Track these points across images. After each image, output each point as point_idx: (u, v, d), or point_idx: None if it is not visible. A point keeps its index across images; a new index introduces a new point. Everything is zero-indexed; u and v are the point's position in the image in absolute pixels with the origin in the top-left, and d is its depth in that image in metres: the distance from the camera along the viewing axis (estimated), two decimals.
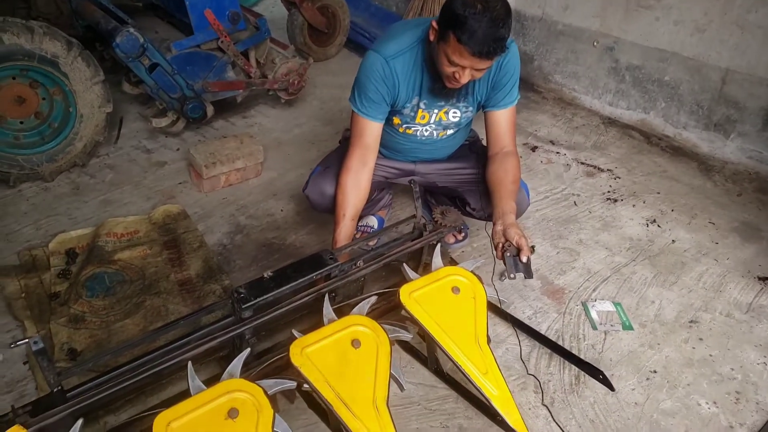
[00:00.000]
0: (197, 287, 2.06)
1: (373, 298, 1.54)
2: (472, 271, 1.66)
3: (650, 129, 3.30)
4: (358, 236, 2.28)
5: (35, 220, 2.38)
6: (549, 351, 1.83)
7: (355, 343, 1.42)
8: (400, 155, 2.08)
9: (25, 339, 1.19)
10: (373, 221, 2.33)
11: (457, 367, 1.48)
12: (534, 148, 3.08)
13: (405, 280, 1.63)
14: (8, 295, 2.00)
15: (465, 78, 1.63)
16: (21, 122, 2.51)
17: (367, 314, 1.53)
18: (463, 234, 2.33)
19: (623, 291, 2.11)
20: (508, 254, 1.63)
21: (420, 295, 1.57)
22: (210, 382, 1.30)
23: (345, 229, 1.81)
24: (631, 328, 1.94)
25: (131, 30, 2.43)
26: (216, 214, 2.45)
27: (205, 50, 2.74)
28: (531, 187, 2.67)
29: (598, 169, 2.92)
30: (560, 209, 2.57)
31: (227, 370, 1.32)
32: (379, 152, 2.11)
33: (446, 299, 1.58)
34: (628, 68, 3.34)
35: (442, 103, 1.86)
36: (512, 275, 1.61)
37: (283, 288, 1.46)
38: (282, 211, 2.48)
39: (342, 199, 1.83)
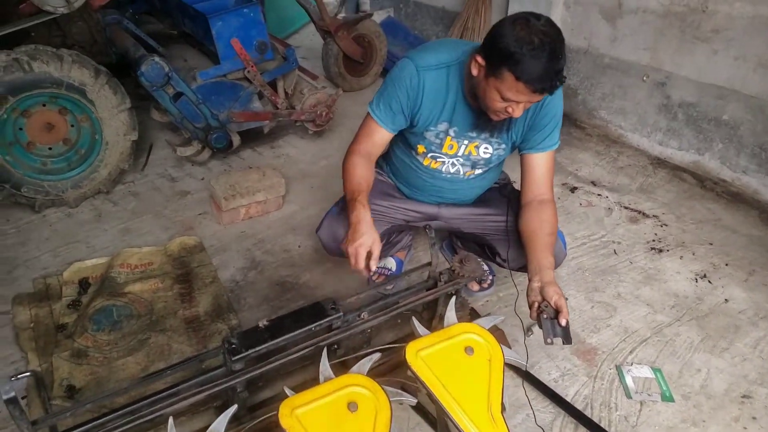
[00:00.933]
0: (204, 326, 2.01)
1: (376, 356, 1.45)
2: (489, 330, 1.54)
3: (704, 172, 3.11)
4: (375, 278, 2.20)
5: (54, 247, 2.40)
6: (575, 421, 1.68)
7: (352, 406, 1.33)
8: (422, 194, 1.99)
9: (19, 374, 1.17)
10: (391, 263, 2.25)
11: None
12: (573, 189, 2.95)
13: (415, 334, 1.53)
14: (18, 324, 2.01)
15: (518, 111, 1.56)
16: (50, 148, 2.56)
17: (370, 371, 1.44)
18: (488, 281, 2.21)
19: (664, 355, 1.94)
20: (545, 316, 1.51)
21: (429, 355, 1.46)
22: None
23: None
24: (671, 399, 1.77)
25: (156, 59, 2.46)
26: (232, 248, 2.42)
27: (231, 80, 2.75)
28: (567, 232, 2.55)
29: (643, 214, 2.76)
30: (598, 258, 2.42)
31: (210, 428, 1.25)
32: (400, 191, 2.04)
33: (458, 360, 1.47)
34: (681, 105, 3.17)
35: (474, 135, 1.78)
36: (549, 340, 1.49)
37: (278, 340, 1.39)
38: (299, 247, 2.43)
39: (352, 177, 1.75)
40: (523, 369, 1.60)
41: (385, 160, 2.10)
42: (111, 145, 2.63)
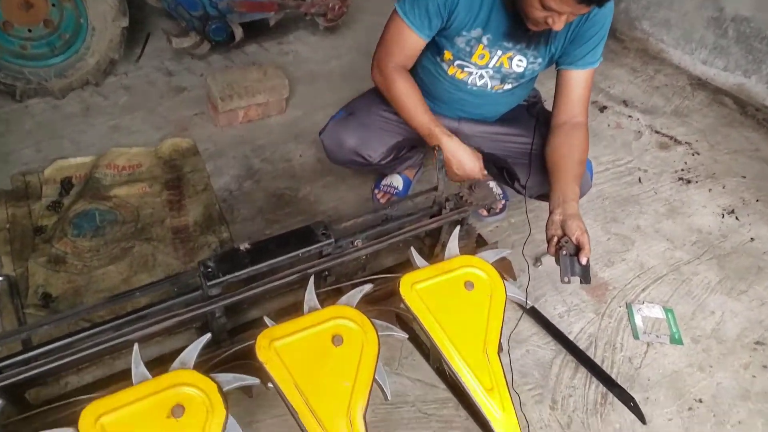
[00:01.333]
0: (192, 237, 1.92)
1: (368, 287, 1.34)
2: (495, 262, 1.43)
3: (748, 97, 2.86)
4: (379, 197, 2.08)
5: (37, 141, 2.28)
6: (575, 360, 1.60)
7: (336, 339, 1.24)
8: (443, 107, 1.81)
9: None
10: (398, 181, 2.11)
11: (457, 379, 1.28)
12: (603, 108, 2.73)
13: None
14: None
15: (560, 24, 1.37)
16: (29, 30, 2.37)
17: (362, 301, 1.35)
18: (501, 206, 2.07)
19: (679, 295, 1.83)
20: (564, 252, 1.39)
21: (425, 289, 1.36)
22: (162, 366, 1.16)
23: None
24: (680, 342, 1.68)
25: None
26: (228, 154, 2.28)
27: None
28: (592, 155, 2.34)
29: (675, 140, 2.56)
30: (621, 186, 2.26)
31: (179, 357, 1.17)
32: None
33: (456, 295, 1.37)
34: (734, 20, 2.87)
35: (509, 46, 1.59)
36: (566, 278, 1.38)
37: (260, 265, 1.28)
38: (301, 156, 2.29)
39: (414, 103, 1.62)
40: (525, 307, 1.50)
41: None
42: (98, 32, 2.43)
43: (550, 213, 1.48)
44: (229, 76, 2.39)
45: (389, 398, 1.24)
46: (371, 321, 1.29)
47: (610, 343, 1.67)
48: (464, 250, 1.58)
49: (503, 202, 2.07)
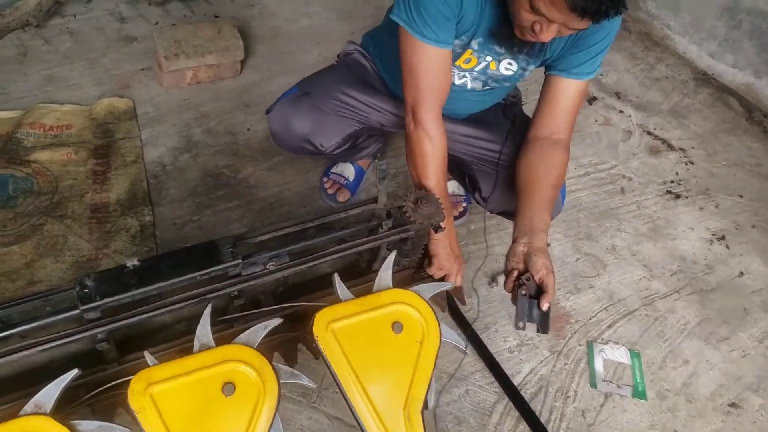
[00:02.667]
0: (111, 218, 1.69)
1: (274, 322, 1.12)
2: (429, 301, 1.21)
3: (756, 99, 2.59)
4: (327, 186, 1.84)
5: None
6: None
7: (227, 388, 1.03)
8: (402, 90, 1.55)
9: None
10: (349, 171, 1.87)
11: None
12: (592, 100, 2.46)
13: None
14: None
15: (546, 35, 1.11)
16: None
17: (261, 344, 1.14)
18: (462, 208, 1.85)
19: (649, 336, 1.63)
20: (524, 293, 1.17)
21: (344, 328, 1.14)
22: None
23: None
24: (644, 396, 1.49)
25: None
26: (169, 120, 2.02)
27: None
28: (573, 155, 2.08)
29: (668, 145, 2.31)
30: (600, 196, 2.03)
31: (34, 398, 0.96)
32: (384, 83, 1.61)
33: (380, 339, 1.15)
34: (750, 13, 2.56)
35: (502, 51, 1.33)
36: (521, 324, 1.17)
37: (147, 288, 1.05)
38: (248, 130, 2.03)
39: (429, 174, 1.34)
40: (463, 354, 1.29)
41: (373, 39, 1.64)
42: None
43: (513, 241, 1.26)
44: (177, 32, 2.10)
45: None
46: (274, 367, 1.08)
47: (562, 391, 1.48)
48: (401, 276, 1.38)
49: (464, 205, 1.85)
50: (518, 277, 1.19)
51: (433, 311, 1.20)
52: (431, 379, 1.15)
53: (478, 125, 1.56)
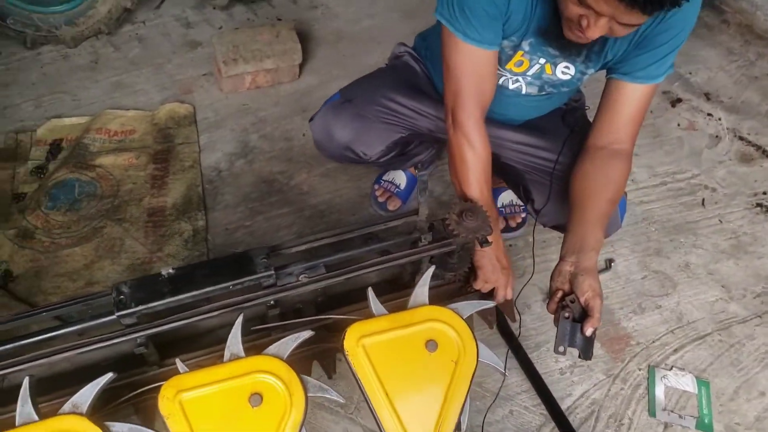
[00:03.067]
0: (167, 222, 1.80)
1: (305, 334, 1.16)
2: (471, 318, 1.21)
3: None
4: (378, 194, 1.87)
5: (39, 95, 2.21)
6: None
7: (254, 399, 1.08)
8: None
9: None
10: (401, 178, 1.89)
11: None
12: (676, 102, 2.34)
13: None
14: None
15: (594, 31, 1.06)
16: None
17: (296, 354, 1.18)
18: (521, 219, 1.82)
19: (721, 364, 1.54)
20: (567, 315, 1.15)
21: (375, 344, 1.16)
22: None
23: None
24: (710, 428, 1.41)
25: None
26: (227, 125, 2.12)
27: None
28: (647, 162, 2.05)
29: (763, 152, 2.16)
30: (676, 208, 1.93)
31: (72, 399, 1.05)
32: (434, 86, 1.62)
33: (413, 357, 1.16)
34: None
35: (556, 54, 1.29)
36: (561, 348, 1.14)
37: (178, 297, 1.12)
38: (303, 136, 2.09)
39: (470, 183, 1.34)
40: (504, 376, 1.28)
41: (425, 41, 1.65)
42: None
43: (561, 259, 1.23)
44: (237, 36, 2.19)
45: None
46: (302, 379, 1.12)
47: (615, 417, 1.42)
48: (448, 290, 1.38)
49: (523, 216, 1.81)
50: (562, 298, 1.16)
51: (471, 330, 1.19)
52: (465, 400, 1.15)
53: (533, 132, 1.53)
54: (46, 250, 1.71)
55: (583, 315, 1.15)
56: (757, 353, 1.56)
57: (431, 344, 1.16)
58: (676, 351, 1.55)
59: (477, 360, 1.17)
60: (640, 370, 1.51)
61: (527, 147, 1.54)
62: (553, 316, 1.20)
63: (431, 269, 1.26)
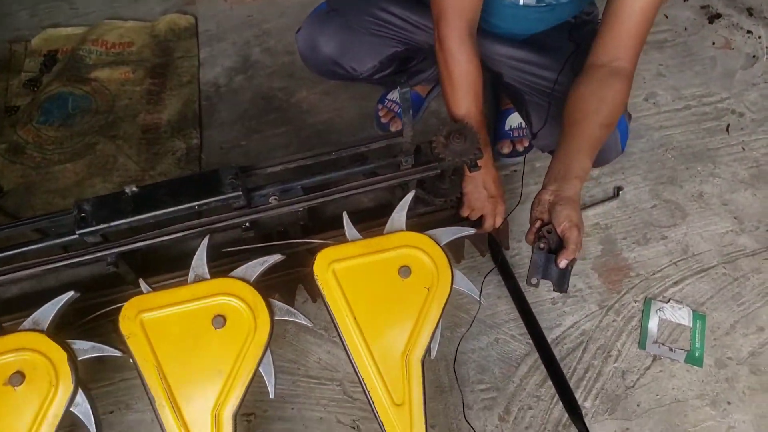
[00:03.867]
0: (161, 139, 1.76)
1: (274, 258, 1.12)
2: (444, 247, 1.14)
3: None
4: (381, 114, 1.77)
5: (35, 3, 2.15)
6: None
7: (217, 320, 1.06)
8: None
9: None
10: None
11: (363, 387, 1.08)
12: (714, 18, 2.12)
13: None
14: None
15: None
16: None
17: (275, 278, 1.16)
18: (529, 142, 1.71)
19: (722, 298, 1.45)
20: (542, 246, 1.07)
21: (346, 269, 1.12)
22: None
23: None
24: (699, 362, 1.34)
25: None
26: (229, 38, 2.02)
27: None
28: (674, 84, 1.89)
29: None
30: (698, 133, 1.78)
31: (32, 316, 1.05)
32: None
33: (385, 283, 1.12)
34: None
35: None
36: (534, 280, 1.07)
37: (141, 216, 1.08)
38: None
39: (449, 88, 1.24)
40: (479, 304, 1.22)
41: None
42: None
43: (543, 187, 1.14)
44: None
45: (272, 397, 1.06)
46: (269, 303, 1.08)
47: (604, 349, 1.37)
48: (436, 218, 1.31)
49: (529, 140, 1.70)
50: (539, 229, 1.08)
51: (448, 257, 1.13)
52: (437, 327, 1.11)
53: (535, 49, 1.40)
54: (37, 166, 1.69)
55: (561, 246, 1.07)
56: (762, 287, 1.46)
57: (404, 270, 1.11)
58: (676, 284, 1.47)
59: (451, 287, 1.12)
60: (636, 302, 1.44)
61: (527, 65, 1.41)
62: (532, 247, 1.13)
63: (411, 194, 1.19)
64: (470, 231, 1.20)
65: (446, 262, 1.12)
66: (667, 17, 2.06)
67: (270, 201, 1.15)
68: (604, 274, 1.48)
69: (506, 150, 1.70)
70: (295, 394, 1.31)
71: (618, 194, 1.62)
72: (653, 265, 1.50)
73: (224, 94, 1.87)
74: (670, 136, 1.76)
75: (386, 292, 1.11)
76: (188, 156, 1.70)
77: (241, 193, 1.11)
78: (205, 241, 1.11)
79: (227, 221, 1.14)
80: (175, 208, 1.08)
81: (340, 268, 1.11)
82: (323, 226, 1.33)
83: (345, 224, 1.15)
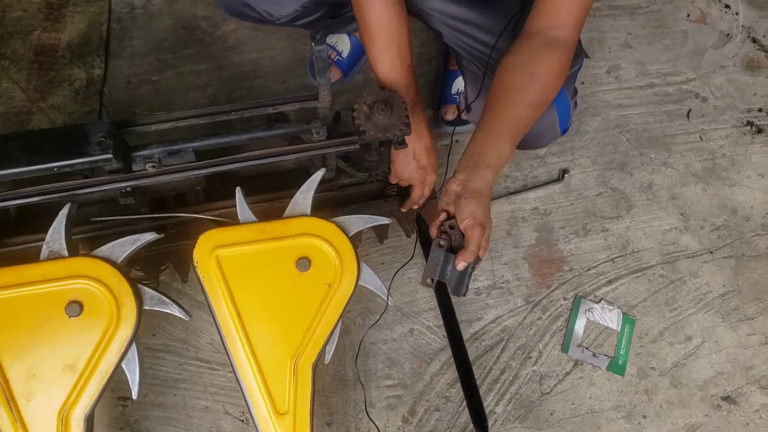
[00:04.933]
0: (57, 64, 1.50)
1: (148, 236, 0.94)
2: (352, 238, 0.98)
3: None
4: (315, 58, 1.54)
5: None
6: None
7: (72, 308, 0.88)
8: None
9: None
10: (344, 44, 1.56)
11: (242, 392, 0.93)
12: None
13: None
14: None
15: None
16: None
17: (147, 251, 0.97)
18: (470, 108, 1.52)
19: (655, 301, 1.35)
20: (442, 243, 0.92)
21: (233, 257, 0.95)
22: None
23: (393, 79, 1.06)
24: (621, 371, 1.25)
25: None
26: None
27: None
28: (640, 57, 1.73)
29: None
30: (658, 116, 1.63)
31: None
32: None
33: (278, 276, 0.96)
34: None
35: None
36: (429, 281, 0.92)
37: None
38: None
39: (368, 41, 1.05)
40: (387, 305, 1.07)
41: None
42: None
43: (453, 174, 0.97)
44: None
45: (135, 398, 0.91)
46: (137, 289, 0.91)
47: (524, 349, 1.26)
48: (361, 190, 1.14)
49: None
50: (443, 223, 0.93)
51: (354, 249, 0.97)
52: (335, 328, 0.96)
53: (478, 7, 1.19)
54: None
55: (460, 243, 0.92)
56: (696, 293, 1.36)
57: (303, 263, 0.95)
58: (610, 282, 1.35)
59: (356, 285, 0.97)
60: (565, 300, 1.32)
61: (465, 25, 1.20)
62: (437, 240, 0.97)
63: (321, 172, 1.02)
64: (385, 221, 1.04)
65: (353, 255, 0.97)
66: None
67: (147, 168, 0.95)
68: (535, 265, 1.36)
69: (450, 116, 1.52)
70: (180, 379, 1.16)
71: (563, 177, 1.48)
72: (589, 260, 1.38)
73: (139, 18, 1.61)
74: (628, 117, 1.61)
75: (279, 286, 0.95)
76: (88, 88, 1.46)
77: (111, 155, 0.91)
78: (65, 210, 0.92)
79: (95, 186, 0.94)
80: (28, 168, 0.88)
81: (226, 255, 0.94)
82: (230, 191, 1.14)
83: (237, 202, 0.97)
